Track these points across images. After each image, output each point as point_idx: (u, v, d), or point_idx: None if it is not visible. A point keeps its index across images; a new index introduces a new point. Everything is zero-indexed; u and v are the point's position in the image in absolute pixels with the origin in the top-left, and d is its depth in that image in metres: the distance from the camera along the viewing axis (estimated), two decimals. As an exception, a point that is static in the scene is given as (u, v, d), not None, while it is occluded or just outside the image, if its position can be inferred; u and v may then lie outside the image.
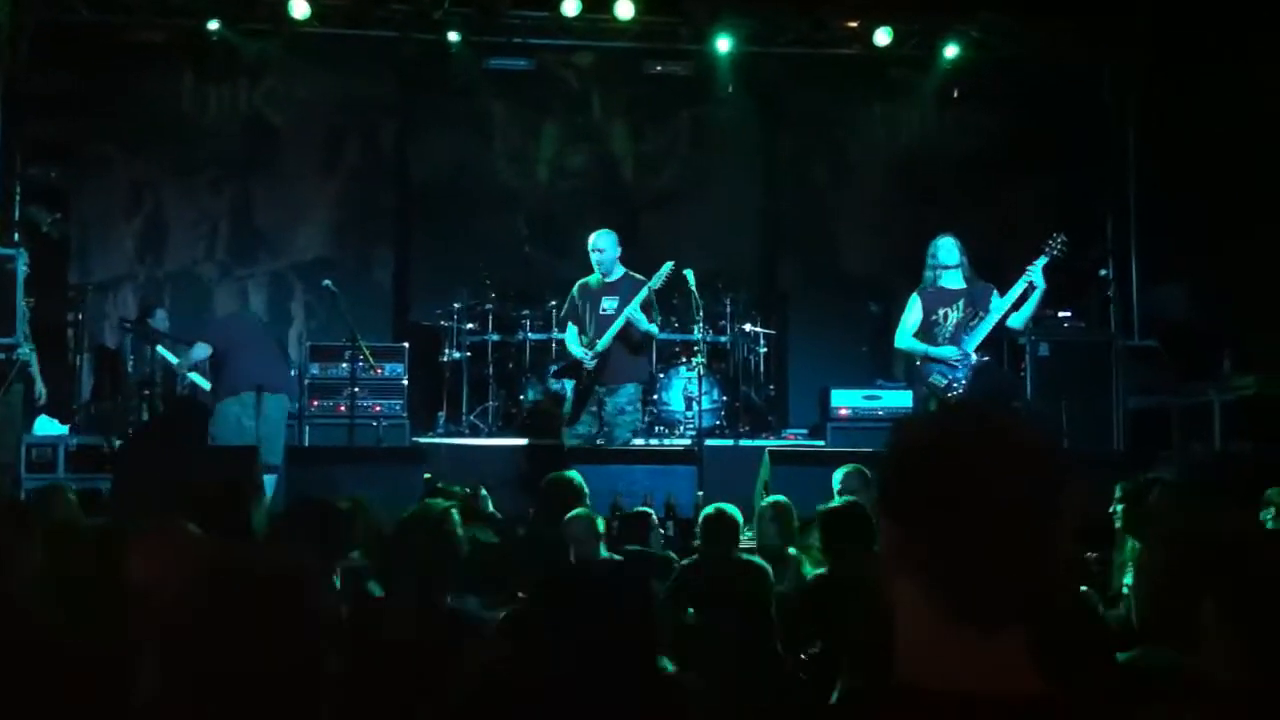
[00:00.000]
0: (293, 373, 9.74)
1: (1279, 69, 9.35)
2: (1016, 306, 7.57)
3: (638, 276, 8.47)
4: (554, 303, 10.21)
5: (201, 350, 8.90)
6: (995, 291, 7.68)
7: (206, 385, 9.07)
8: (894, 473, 1.36)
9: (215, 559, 1.83)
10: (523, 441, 9.65)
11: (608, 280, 8.49)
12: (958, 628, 1.30)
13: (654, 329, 8.52)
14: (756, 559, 5.13)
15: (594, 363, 8.31)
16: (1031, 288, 7.50)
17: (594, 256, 8.48)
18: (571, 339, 8.55)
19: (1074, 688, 1.35)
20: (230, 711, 1.58)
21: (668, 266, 8.26)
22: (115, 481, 7.65)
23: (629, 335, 8.36)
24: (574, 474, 6.24)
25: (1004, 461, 1.30)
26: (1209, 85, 10.11)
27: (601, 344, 8.27)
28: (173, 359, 9.45)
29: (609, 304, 8.40)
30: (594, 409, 8.40)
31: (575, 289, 8.64)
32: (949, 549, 1.30)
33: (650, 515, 6.34)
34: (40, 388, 8.75)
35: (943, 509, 1.30)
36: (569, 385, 8.67)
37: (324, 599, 1.63)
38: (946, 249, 7.71)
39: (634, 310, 8.22)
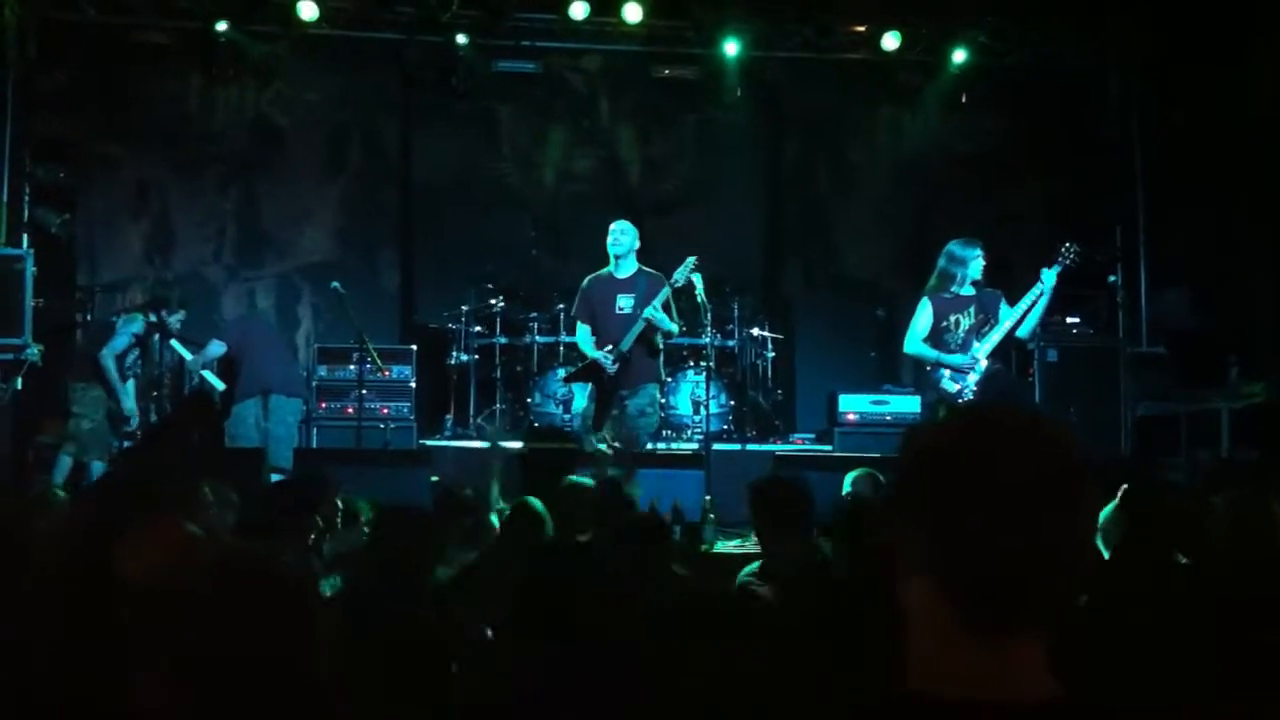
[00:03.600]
0: (302, 374, 9.74)
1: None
2: (1025, 314, 7.42)
3: (652, 272, 8.03)
4: (561, 305, 10.19)
5: (217, 348, 8.94)
6: (1004, 300, 7.57)
7: (219, 384, 9.06)
8: (909, 474, 1.33)
9: (214, 557, 1.81)
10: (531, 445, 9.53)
11: (620, 277, 8.03)
12: (973, 634, 1.27)
13: (675, 327, 8.03)
14: None
15: (616, 366, 7.86)
16: (1041, 295, 7.35)
17: (623, 240, 7.97)
18: (585, 340, 8.08)
19: (1092, 693, 1.31)
20: (227, 711, 1.56)
21: (691, 261, 7.89)
22: (120, 479, 7.61)
23: (647, 335, 7.91)
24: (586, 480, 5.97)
25: (1025, 464, 1.26)
26: (1218, 90, 10.06)
27: (625, 345, 7.82)
28: (187, 354, 9.45)
29: (625, 302, 7.94)
30: (615, 413, 7.98)
31: (587, 285, 8.15)
32: (965, 553, 1.26)
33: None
34: (131, 405, 8.92)
35: (959, 511, 1.26)
36: (580, 389, 8.33)
37: (322, 599, 1.61)
38: (976, 261, 7.45)
39: (655, 311, 7.78)
